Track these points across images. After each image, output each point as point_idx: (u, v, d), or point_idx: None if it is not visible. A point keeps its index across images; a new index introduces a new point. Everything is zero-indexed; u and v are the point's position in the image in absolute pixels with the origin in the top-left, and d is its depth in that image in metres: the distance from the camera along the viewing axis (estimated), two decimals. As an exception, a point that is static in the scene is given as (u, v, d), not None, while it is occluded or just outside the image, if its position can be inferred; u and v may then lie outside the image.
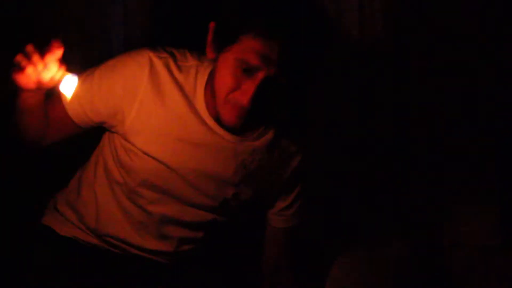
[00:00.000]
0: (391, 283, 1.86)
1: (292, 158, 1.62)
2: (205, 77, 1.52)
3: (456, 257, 1.99)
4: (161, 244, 1.61)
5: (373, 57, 2.04)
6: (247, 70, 1.38)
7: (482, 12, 1.99)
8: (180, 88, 1.51)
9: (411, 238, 2.00)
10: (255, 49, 1.36)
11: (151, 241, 1.60)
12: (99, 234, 1.61)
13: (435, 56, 2.02)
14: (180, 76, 1.52)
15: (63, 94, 1.45)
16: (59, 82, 1.35)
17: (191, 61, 1.54)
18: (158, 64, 1.51)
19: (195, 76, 1.52)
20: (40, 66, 1.31)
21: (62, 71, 1.34)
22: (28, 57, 1.31)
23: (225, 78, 1.40)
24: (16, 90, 1.39)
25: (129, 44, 1.97)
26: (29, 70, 1.32)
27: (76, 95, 1.50)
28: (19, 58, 1.32)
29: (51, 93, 1.48)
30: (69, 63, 1.37)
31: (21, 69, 1.32)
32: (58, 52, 1.31)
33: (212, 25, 1.44)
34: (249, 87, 1.38)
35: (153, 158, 1.52)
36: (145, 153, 1.52)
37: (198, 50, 1.56)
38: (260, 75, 1.37)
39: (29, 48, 1.31)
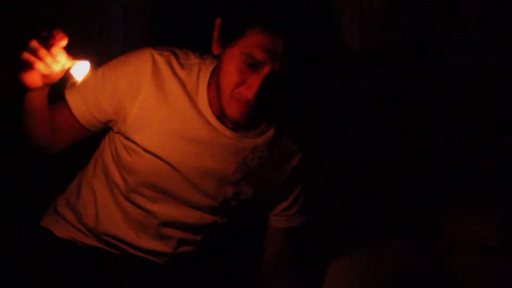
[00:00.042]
0: (391, 283, 1.86)
1: (292, 156, 1.62)
2: (208, 75, 1.53)
3: (456, 257, 1.99)
4: (160, 244, 1.61)
5: (373, 57, 2.04)
6: (253, 65, 1.38)
7: (483, 12, 1.99)
8: (183, 85, 1.52)
9: (411, 238, 2.00)
10: (261, 44, 1.37)
11: (150, 241, 1.60)
12: (98, 234, 1.60)
13: (436, 56, 2.02)
14: (183, 74, 1.53)
15: (69, 98, 1.49)
16: (69, 70, 1.34)
17: (193, 59, 1.55)
18: (161, 62, 1.52)
19: (198, 74, 1.53)
20: (49, 59, 1.30)
21: (70, 60, 1.33)
22: (35, 53, 1.30)
23: (231, 73, 1.41)
24: (21, 91, 1.38)
25: (129, 44, 1.98)
26: (40, 66, 1.30)
27: (81, 97, 1.52)
28: (26, 55, 1.30)
29: (55, 99, 1.49)
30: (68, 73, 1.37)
31: (29, 66, 1.31)
32: (63, 42, 1.30)
33: (218, 21, 1.45)
34: (254, 82, 1.39)
35: (154, 155, 1.52)
36: (146, 151, 1.52)
37: (199, 50, 1.58)
38: (266, 70, 1.38)
39: (34, 43, 1.30)
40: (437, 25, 2.01)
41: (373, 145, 2.06)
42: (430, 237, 2.03)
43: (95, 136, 1.61)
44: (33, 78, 1.34)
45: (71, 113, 1.53)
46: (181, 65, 1.53)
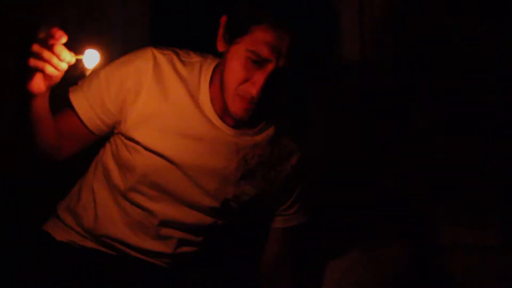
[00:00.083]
0: (391, 283, 1.86)
1: (292, 155, 1.63)
2: (209, 72, 1.54)
3: (456, 257, 1.99)
4: (159, 245, 1.60)
5: (373, 57, 2.04)
6: (257, 62, 1.40)
7: (483, 12, 1.99)
8: (184, 83, 1.53)
9: (411, 238, 2.00)
10: (266, 41, 1.38)
11: (149, 242, 1.60)
12: (97, 236, 1.60)
13: (436, 56, 2.02)
14: (184, 71, 1.54)
15: (75, 102, 1.50)
16: (75, 64, 1.33)
17: (194, 58, 1.56)
18: (162, 60, 1.53)
19: (199, 71, 1.54)
20: (54, 59, 1.29)
21: (73, 55, 1.32)
22: (40, 57, 1.28)
23: (236, 70, 1.42)
24: (25, 100, 1.37)
25: (129, 44, 1.98)
26: (48, 68, 1.29)
27: (87, 100, 1.53)
28: (33, 62, 1.29)
29: (58, 106, 1.50)
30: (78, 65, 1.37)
31: (37, 71, 1.30)
32: (63, 39, 1.29)
33: (223, 19, 1.47)
34: (259, 79, 1.40)
35: (155, 152, 1.53)
36: (147, 149, 1.53)
37: (200, 50, 1.59)
38: (270, 67, 1.40)
39: (36, 48, 1.29)
40: (437, 25, 2.01)
41: (373, 145, 2.06)
42: (430, 237, 2.03)
43: (96, 144, 1.62)
44: (38, 84, 1.32)
45: (78, 117, 1.54)
46: (183, 63, 1.55)
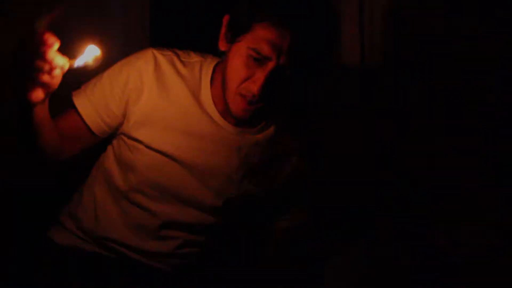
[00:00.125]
0: (391, 283, 1.86)
1: (292, 154, 1.64)
2: (210, 72, 1.56)
3: (456, 257, 1.99)
4: (160, 246, 1.61)
5: (373, 57, 2.05)
6: (258, 60, 1.42)
7: (483, 12, 1.99)
8: (185, 82, 1.55)
9: (411, 238, 2.00)
10: (267, 38, 1.40)
11: (150, 243, 1.60)
12: (97, 238, 1.60)
13: (436, 56, 2.02)
14: (185, 71, 1.56)
15: (79, 105, 1.52)
16: (69, 69, 1.31)
17: (194, 58, 1.59)
18: (162, 60, 1.55)
19: (200, 71, 1.56)
20: (47, 66, 1.26)
21: (67, 60, 1.30)
22: (34, 67, 1.26)
23: (237, 68, 1.45)
24: (24, 110, 1.36)
25: (129, 45, 1.98)
26: (43, 77, 1.27)
27: (90, 103, 1.54)
28: (27, 72, 1.26)
29: (60, 107, 1.50)
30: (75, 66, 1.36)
31: (33, 81, 1.28)
32: (56, 45, 1.26)
33: (226, 18, 1.49)
34: (259, 76, 1.42)
35: (158, 151, 1.54)
36: (149, 147, 1.54)
37: (200, 50, 1.60)
38: (271, 65, 1.42)
39: (28, 57, 1.25)
40: (438, 25, 2.01)
41: (373, 145, 2.06)
42: (430, 237, 2.03)
43: (98, 150, 1.63)
44: (35, 93, 1.30)
45: (82, 120, 1.55)
46: (183, 63, 1.57)
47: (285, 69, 1.42)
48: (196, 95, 1.55)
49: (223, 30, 1.49)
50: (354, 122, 2.06)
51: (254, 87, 1.43)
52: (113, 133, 1.60)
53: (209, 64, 1.57)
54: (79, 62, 1.32)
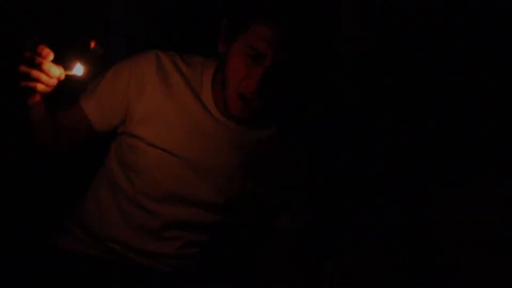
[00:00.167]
0: (390, 283, 1.86)
1: (293, 154, 1.66)
2: (211, 72, 1.59)
3: (456, 257, 1.99)
4: (163, 247, 1.61)
5: (373, 57, 2.05)
6: (255, 57, 1.44)
7: (484, 11, 2.00)
8: (187, 81, 1.57)
9: (411, 237, 2.00)
10: (263, 35, 1.43)
11: (153, 244, 1.61)
12: (100, 240, 1.60)
13: (436, 56, 2.02)
14: (187, 71, 1.59)
15: (84, 104, 1.54)
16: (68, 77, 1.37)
17: (196, 59, 1.62)
18: (165, 59, 1.58)
19: (201, 71, 1.59)
20: (43, 77, 1.34)
21: (61, 70, 1.36)
22: (30, 77, 1.33)
23: (236, 66, 1.47)
24: (21, 110, 1.43)
25: (129, 45, 1.98)
26: (39, 87, 1.35)
27: (94, 101, 1.57)
28: (24, 82, 1.33)
29: (61, 102, 1.53)
30: (70, 64, 1.39)
31: (30, 90, 1.35)
32: (50, 57, 1.33)
33: (224, 20, 1.51)
34: (256, 73, 1.44)
35: (161, 149, 1.55)
36: (151, 145, 1.55)
37: (200, 51, 1.64)
38: (267, 62, 1.44)
39: (24, 68, 1.33)
40: (438, 25, 2.01)
41: (372, 144, 2.06)
42: (429, 236, 2.03)
43: (102, 153, 1.66)
44: (31, 98, 1.38)
45: (85, 116, 1.57)
46: (185, 63, 1.60)
47: (282, 66, 1.45)
48: (197, 94, 1.58)
49: (222, 31, 1.51)
50: (354, 122, 2.06)
51: (251, 83, 1.45)
52: (115, 136, 1.61)
53: (210, 65, 1.60)
54: (74, 71, 1.37)
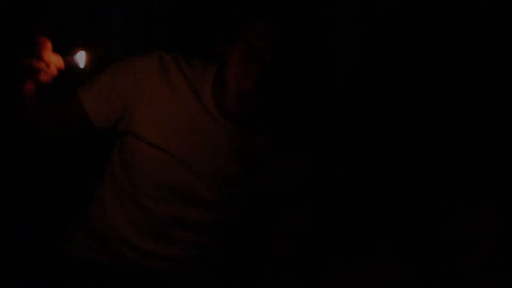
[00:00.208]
0: (390, 283, 1.86)
1: (293, 154, 1.66)
2: (212, 74, 1.59)
3: (456, 257, 1.99)
4: (163, 248, 1.61)
5: (373, 57, 2.05)
6: (252, 56, 1.46)
7: (483, 11, 1.99)
8: (189, 82, 1.58)
9: (411, 237, 2.00)
10: (259, 33, 1.45)
11: (156, 245, 1.61)
12: (105, 243, 1.61)
13: (436, 56, 2.02)
14: (188, 71, 1.60)
15: (83, 98, 1.54)
16: (66, 66, 1.39)
17: (198, 61, 1.63)
18: (167, 59, 1.59)
19: (203, 72, 1.60)
20: (43, 67, 1.35)
21: (60, 59, 1.37)
22: (32, 68, 1.34)
23: (234, 66, 1.48)
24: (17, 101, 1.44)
25: (129, 45, 1.98)
26: (42, 76, 1.36)
27: (94, 96, 1.57)
28: (24, 72, 1.35)
29: (60, 94, 1.53)
30: (69, 64, 1.41)
31: (31, 79, 1.36)
32: (49, 45, 1.35)
33: (224, 21, 1.54)
34: (253, 71, 1.46)
35: (161, 148, 1.56)
36: (151, 144, 1.56)
37: (199, 51, 1.65)
38: (265, 59, 1.45)
39: (25, 59, 1.34)
40: (438, 25, 2.01)
41: (372, 144, 2.06)
42: (429, 236, 2.03)
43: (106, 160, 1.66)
44: (29, 87, 1.39)
45: (84, 111, 1.58)
46: (187, 64, 1.61)
47: (279, 64, 1.46)
48: (198, 95, 1.59)
49: (221, 33, 1.53)
50: (354, 122, 2.06)
51: (248, 81, 1.46)
52: (116, 138, 1.63)
53: (211, 66, 1.61)
54: (74, 60, 1.37)
